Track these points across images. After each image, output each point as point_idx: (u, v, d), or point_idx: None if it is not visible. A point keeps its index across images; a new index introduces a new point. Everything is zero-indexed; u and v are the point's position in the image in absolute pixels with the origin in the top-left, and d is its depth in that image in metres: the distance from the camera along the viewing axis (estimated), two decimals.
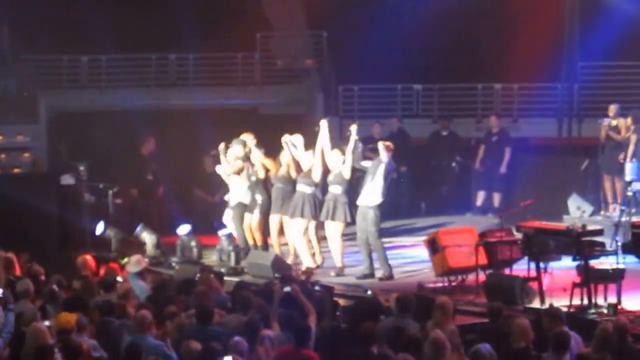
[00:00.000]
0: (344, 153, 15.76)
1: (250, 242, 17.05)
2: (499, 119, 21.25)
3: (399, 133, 21.36)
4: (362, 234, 15.69)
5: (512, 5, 22.75)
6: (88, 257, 14.62)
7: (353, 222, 15.82)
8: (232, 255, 16.49)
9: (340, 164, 15.78)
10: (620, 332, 10.21)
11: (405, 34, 22.19)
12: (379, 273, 15.69)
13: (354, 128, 15.79)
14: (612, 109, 19.10)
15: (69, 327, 10.49)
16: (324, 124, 16.02)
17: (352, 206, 15.78)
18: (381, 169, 15.58)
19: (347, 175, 15.76)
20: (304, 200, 16.01)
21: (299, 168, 16.33)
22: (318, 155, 16.03)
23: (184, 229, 17.40)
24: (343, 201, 15.73)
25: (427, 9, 23.13)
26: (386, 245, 16.10)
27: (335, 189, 15.80)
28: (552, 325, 10.42)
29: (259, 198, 16.93)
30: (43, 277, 13.70)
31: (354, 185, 16.12)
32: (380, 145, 15.78)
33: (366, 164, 15.82)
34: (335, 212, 15.74)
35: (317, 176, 16.07)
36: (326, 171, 16.08)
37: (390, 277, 15.56)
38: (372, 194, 15.59)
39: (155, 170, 20.04)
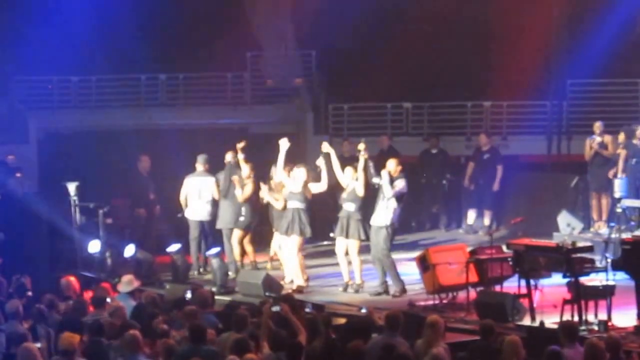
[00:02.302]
0: (356, 170, 15.82)
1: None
2: (488, 137, 21.25)
3: (389, 151, 21.37)
4: (375, 252, 15.73)
5: (500, 23, 22.82)
6: (72, 278, 14.56)
7: (367, 239, 15.85)
8: (218, 274, 16.48)
9: (354, 181, 15.82)
10: (613, 348, 10.20)
11: (393, 53, 22.26)
12: (391, 289, 15.70)
13: (362, 146, 15.83)
14: (598, 126, 19.17)
15: (72, 349, 10.36)
16: (326, 147, 16.06)
17: (366, 223, 15.83)
18: (389, 189, 15.57)
19: (360, 192, 15.79)
20: (299, 216, 16.01)
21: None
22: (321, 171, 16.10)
23: (174, 248, 17.40)
24: (357, 218, 15.76)
25: (416, 28, 23.25)
26: None
27: (349, 207, 15.83)
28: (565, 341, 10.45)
29: (244, 214, 17.06)
30: (30, 293, 13.63)
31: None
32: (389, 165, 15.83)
33: (377, 180, 15.81)
34: (349, 230, 15.79)
35: (310, 192, 16.11)
36: (338, 189, 16.18)
37: (403, 291, 15.58)
38: (383, 213, 15.61)
39: (154, 189, 19.92)
